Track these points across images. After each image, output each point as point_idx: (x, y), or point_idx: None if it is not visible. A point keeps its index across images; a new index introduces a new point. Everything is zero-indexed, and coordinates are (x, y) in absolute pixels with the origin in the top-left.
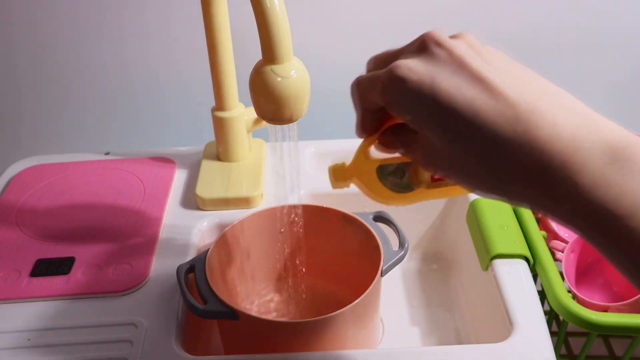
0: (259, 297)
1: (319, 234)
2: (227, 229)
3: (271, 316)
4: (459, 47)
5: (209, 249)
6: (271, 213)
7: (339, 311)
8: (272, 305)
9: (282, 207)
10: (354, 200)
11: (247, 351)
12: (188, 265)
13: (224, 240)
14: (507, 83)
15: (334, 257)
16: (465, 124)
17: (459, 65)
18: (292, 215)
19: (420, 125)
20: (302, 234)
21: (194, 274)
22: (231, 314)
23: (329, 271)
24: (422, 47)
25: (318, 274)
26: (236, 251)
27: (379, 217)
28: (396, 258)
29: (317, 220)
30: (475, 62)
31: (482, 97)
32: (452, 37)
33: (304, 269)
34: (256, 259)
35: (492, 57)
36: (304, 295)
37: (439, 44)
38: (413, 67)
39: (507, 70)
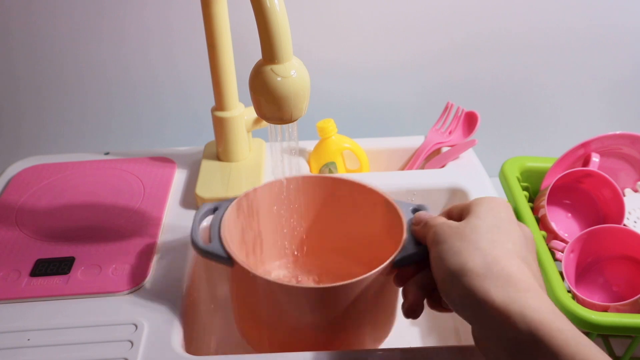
0: (269, 266)
1: (350, 211)
2: (250, 189)
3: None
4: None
5: (235, 198)
6: (313, 180)
7: (322, 285)
8: (281, 273)
9: (316, 178)
10: None
11: (238, 304)
12: (213, 206)
13: (248, 198)
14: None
15: (359, 238)
16: None
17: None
18: (318, 187)
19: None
20: (332, 207)
21: (213, 218)
22: (227, 260)
23: (350, 251)
24: None
25: (338, 252)
26: (255, 212)
27: (417, 210)
28: (410, 253)
29: (354, 198)
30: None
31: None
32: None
33: (315, 244)
34: (275, 227)
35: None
36: (318, 273)
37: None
38: None
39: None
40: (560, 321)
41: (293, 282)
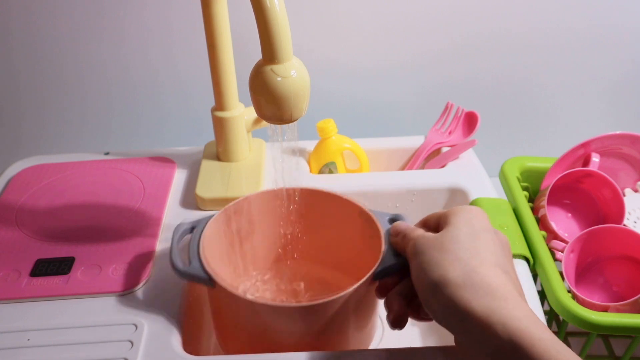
0: (254, 278)
1: (327, 222)
2: (231, 203)
3: (256, 296)
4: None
5: (212, 215)
6: (278, 194)
7: (307, 304)
8: (265, 286)
9: (293, 190)
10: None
11: (220, 321)
12: (189, 226)
13: (227, 214)
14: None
15: (338, 249)
16: None
17: None
18: (295, 198)
19: None
20: (308, 219)
21: (191, 236)
22: (208, 281)
23: (329, 261)
24: None
25: (319, 262)
26: (238, 226)
27: (394, 220)
28: (390, 265)
29: (329, 209)
30: None
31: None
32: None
33: (296, 256)
34: (258, 238)
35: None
36: (301, 283)
37: None
38: None
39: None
40: (540, 330)
41: (276, 302)
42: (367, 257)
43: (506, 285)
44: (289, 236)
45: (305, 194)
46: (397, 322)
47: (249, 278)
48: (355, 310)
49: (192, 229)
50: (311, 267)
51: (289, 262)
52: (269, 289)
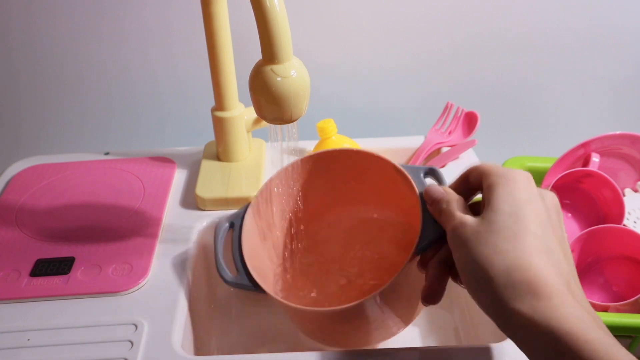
0: (294, 262)
1: (361, 188)
2: (257, 192)
3: (300, 294)
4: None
5: (247, 205)
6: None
7: (359, 302)
8: (304, 269)
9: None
10: None
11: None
12: (227, 224)
13: (257, 203)
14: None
15: (370, 217)
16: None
17: None
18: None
19: None
20: (342, 186)
21: (232, 234)
22: (257, 289)
23: (364, 233)
24: None
25: (353, 236)
26: (268, 213)
27: (429, 174)
28: (430, 239)
29: (364, 167)
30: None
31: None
32: None
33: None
34: (287, 222)
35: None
36: (340, 267)
37: None
38: None
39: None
40: (588, 329)
41: (322, 308)
42: (404, 223)
43: (551, 280)
44: (313, 209)
45: (328, 155)
46: (433, 296)
47: (292, 254)
48: (405, 288)
49: (231, 225)
50: (345, 244)
51: (322, 238)
52: (313, 270)
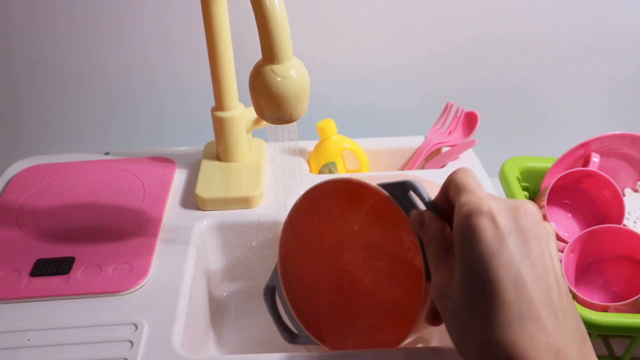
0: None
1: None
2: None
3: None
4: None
5: (276, 264)
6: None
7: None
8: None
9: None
10: None
11: None
12: (269, 291)
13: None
14: (560, 303)
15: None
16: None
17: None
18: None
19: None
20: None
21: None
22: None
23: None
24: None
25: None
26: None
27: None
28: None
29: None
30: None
31: (534, 283)
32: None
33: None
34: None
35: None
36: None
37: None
38: None
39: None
40: None
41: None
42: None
43: (527, 352)
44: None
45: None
46: (438, 316)
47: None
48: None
49: (273, 289)
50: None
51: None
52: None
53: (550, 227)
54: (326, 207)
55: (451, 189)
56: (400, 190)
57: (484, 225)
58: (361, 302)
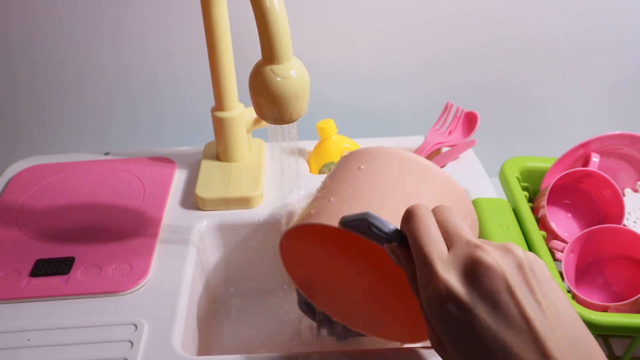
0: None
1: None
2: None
3: None
4: (525, 262)
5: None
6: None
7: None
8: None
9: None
10: None
11: None
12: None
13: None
14: (552, 336)
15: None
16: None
17: (524, 278)
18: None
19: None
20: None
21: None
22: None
23: None
24: (500, 247)
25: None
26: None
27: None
28: None
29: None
30: (536, 281)
31: (520, 343)
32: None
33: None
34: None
35: (542, 286)
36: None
37: (488, 268)
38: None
39: (553, 312)
40: None
41: None
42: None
43: None
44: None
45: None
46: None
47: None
48: None
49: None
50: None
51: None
52: None
53: (529, 259)
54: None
55: (409, 238)
56: (364, 225)
57: (450, 312)
58: (362, 287)
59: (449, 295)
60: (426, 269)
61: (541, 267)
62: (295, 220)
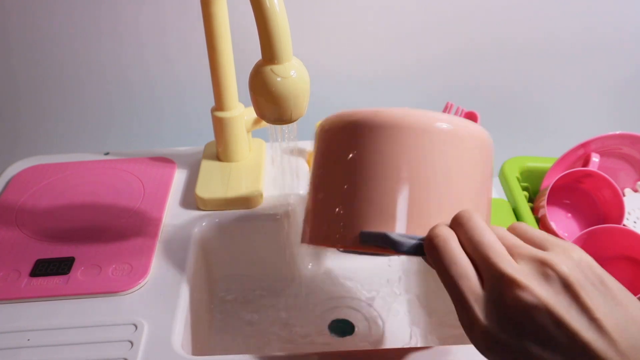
0: None
1: None
2: None
3: None
4: (574, 275)
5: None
6: None
7: None
8: None
9: None
10: None
11: None
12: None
13: None
14: (619, 327)
15: None
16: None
17: (573, 297)
18: None
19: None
20: None
21: None
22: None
23: None
24: (539, 268)
25: None
26: None
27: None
28: None
29: None
30: (590, 295)
31: (591, 335)
32: (562, 254)
33: None
34: None
35: (605, 286)
36: None
37: (554, 269)
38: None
39: (618, 303)
40: None
41: None
42: None
43: None
44: None
45: None
46: None
47: None
48: None
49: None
50: None
51: None
52: None
53: (581, 266)
54: None
55: (437, 272)
56: (386, 244)
57: (498, 352)
58: None
59: (495, 342)
60: (464, 313)
61: (593, 269)
62: (307, 231)
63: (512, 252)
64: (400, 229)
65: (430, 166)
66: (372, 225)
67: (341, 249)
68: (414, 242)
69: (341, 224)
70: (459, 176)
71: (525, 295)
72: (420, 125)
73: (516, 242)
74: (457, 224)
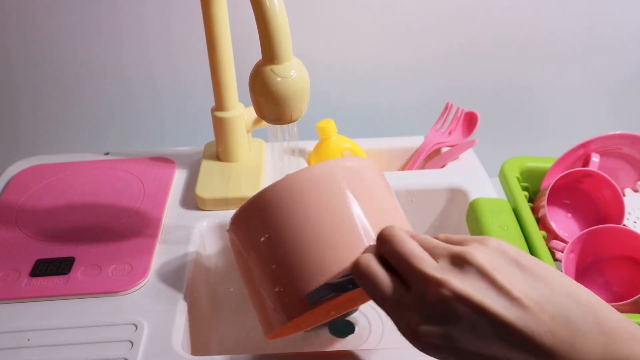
0: None
1: None
2: None
3: None
4: (488, 262)
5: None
6: None
7: None
8: None
9: None
10: None
11: None
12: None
13: None
14: (542, 300)
15: None
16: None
17: (489, 282)
18: None
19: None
20: None
21: None
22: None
23: None
24: (456, 262)
25: None
26: None
27: None
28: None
29: None
30: (505, 276)
31: (512, 314)
32: (478, 242)
33: None
34: None
35: (521, 266)
36: None
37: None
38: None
39: (541, 277)
40: None
41: None
42: None
43: None
44: None
45: None
46: None
47: None
48: None
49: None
50: None
51: None
52: None
53: (491, 254)
54: None
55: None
56: (331, 293)
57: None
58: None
59: (429, 339)
60: (399, 322)
61: (507, 253)
62: (265, 326)
63: (433, 254)
64: (337, 272)
65: (330, 210)
66: (313, 283)
67: (309, 329)
68: (351, 276)
69: (286, 300)
70: (364, 205)
71: (443, 290)
72: (295, 186)
73: (436, 244)
74: (382, 242)
